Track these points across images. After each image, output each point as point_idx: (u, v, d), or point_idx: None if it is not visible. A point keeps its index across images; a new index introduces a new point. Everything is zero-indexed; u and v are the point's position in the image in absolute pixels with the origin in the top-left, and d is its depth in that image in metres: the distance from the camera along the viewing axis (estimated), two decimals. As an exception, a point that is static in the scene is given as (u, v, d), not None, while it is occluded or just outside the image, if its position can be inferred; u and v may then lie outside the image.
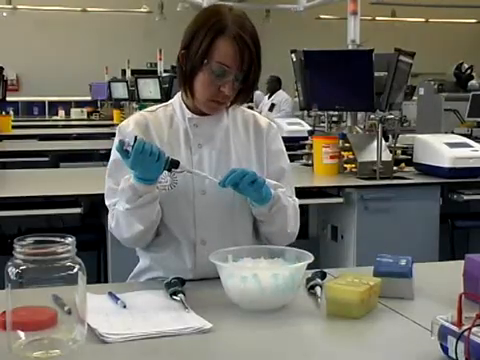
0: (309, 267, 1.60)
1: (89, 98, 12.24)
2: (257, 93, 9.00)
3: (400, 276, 1.62)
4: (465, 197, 3.76)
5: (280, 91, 9.06)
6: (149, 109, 1.89)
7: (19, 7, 13.46)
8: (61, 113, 12.45)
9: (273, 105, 8.47)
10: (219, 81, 1.71)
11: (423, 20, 15.89)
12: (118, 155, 1.69)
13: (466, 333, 1.14)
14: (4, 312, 1.26)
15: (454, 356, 1.17)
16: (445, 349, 1.21)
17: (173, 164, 1.65)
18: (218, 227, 1.79)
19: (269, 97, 9.05)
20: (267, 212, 1.75)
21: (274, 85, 9.06)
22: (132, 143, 1.59)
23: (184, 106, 1.83)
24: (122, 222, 1.75)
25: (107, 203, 1.81)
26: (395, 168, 3.90)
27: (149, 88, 7.94)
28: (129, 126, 1.83)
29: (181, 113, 1.83)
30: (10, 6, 13.22)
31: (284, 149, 1.92)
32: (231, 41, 1.69)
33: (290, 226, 1.83)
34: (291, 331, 1.43)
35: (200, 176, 1.72)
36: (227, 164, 1.80)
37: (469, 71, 7.08)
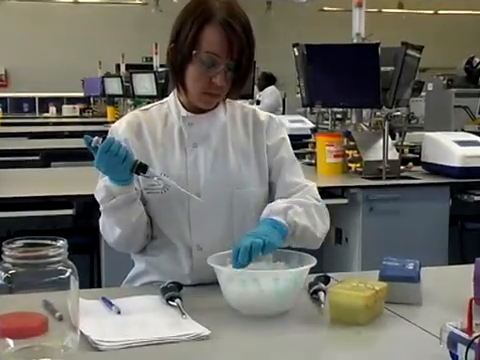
0: (312, 271, 1.60)
1: (81, 94, 12.24)
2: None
3: (407, 280, 1.62)
4: (476, 198, 3.77)
5: (271, 87, 9.17)
6: (143, 108, 1.90)
7: (7, -2, 13.49)
8: (52, 110, 12.43)
9: (258, 102, 8.54)
10: (210, 72, 1.70)
11: (432, 12, 15.90)
12: None
13: (477, 340, 1.14)
14: (-8, 318, 1.26)
15: (464, 364, 1.18)
16: (455, 357, 1.21)
17: (141, 168, 1.65)
18: (215, 232, 1.78)
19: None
20: (292, 240, 1.74)
21: (264, 82, 9.17)
22: (100, 141, 1.61)
23: (179, 104, 1.84)
24: (105, 225, 1.79)
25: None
26: (402, 167, 3.90)
27: (144, 84, 7.94)
28: (121, 126, 1.83)
29: (176, 111, 1.84)
30: (-2, -3, 13.24)
31: (286, 138, 1.90)
32: (219, 28, 1.68)
33: (319, 231, 1.82)
34: (293, 338, 1.44)
35: (174, 187, 1.70)
36: (224, 164, 1.80)
37: (480, 65, 7.08)
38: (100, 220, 1.80)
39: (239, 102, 1.92)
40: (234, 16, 1.70)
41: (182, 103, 1.83)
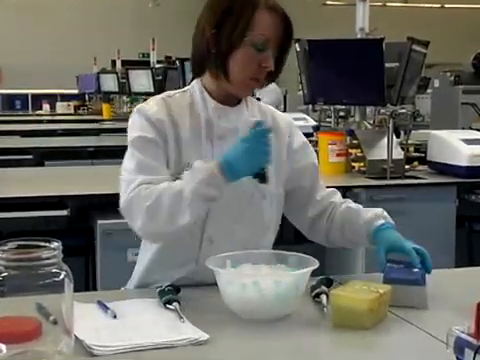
0: (314, 274, 1.60)
1: (76, 91, 12.25)
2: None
3: (412, 283, 1.62)
4: (483, 198, 3.77)
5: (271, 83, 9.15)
6: (166, 94, 1.87)
7: (0, -8, 13.50)
8: (46, 107, 12.44)
9: (258, 99, 8.53)
10: (260, 55, 1.74)
11: (438, 6, 15.90)
12: (142, 132, 1.73)
13: (484, 345, 1.14)
14: (-16, 323, 1.27)
15: (471, 370, 1.18)
16: (461, 362, 1.21)
17: (262, 176, 1.69)
18: (229, 226, 1.79)
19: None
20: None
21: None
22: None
23: (206, 94, 1.83)
24: (165, 206, 1.66)
25: (133, 178, 1.71)
26: (407, 167, 3.90)
27: (141, 80, 7.96)
28: (152, 107, 1.80)
29: (202, 102, 1.83)
30: (-10, -9, 13.25)
31: (307, 141, 1.98)
32: (269, 12, 1.74)
33: None
34: (294, 343, 1.44)
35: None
36: None
37: (488, 61, 7.08)
38: (133, 197, 1.69)
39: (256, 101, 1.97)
40: (276, 3, 1.77)
41: (209, 94, 1.83)
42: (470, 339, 1.19)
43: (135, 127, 1.79)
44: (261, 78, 1.79)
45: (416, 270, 1.64)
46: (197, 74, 1.86)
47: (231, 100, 1.84)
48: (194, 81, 1.87)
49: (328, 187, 1.97)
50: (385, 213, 1.87)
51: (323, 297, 1.62)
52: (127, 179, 1.72)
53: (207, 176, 1.64)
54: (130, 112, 9.00)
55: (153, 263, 1.85)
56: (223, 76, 1.77)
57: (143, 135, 1.76)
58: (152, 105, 1.82)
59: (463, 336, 1.20)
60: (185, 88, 1.88)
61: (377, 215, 1.85)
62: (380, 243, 1.77)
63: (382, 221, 1.83)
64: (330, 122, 4.47)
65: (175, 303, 1.56)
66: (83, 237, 3.47)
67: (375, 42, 3.89)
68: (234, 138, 1.79)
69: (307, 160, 1.95)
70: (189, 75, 6.59)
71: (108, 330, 1.45)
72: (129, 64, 9.87)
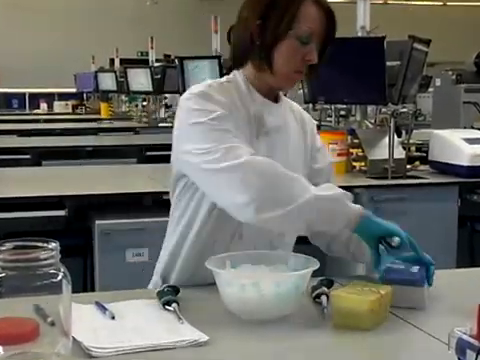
0: (314, 274, 1.60)
1: (74, 90, 12.27)
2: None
3: (411, 284, 1.62)
4: (485, 198, 3.77)
5: None
6: (213, 81, 1.81)
7: (-4, -10, 13.50)
8: (43, 106, 12.46)
9: None
10: (304, 48, 1.74)
11: (440, 3, 15.91)
12: (213, 112, 1.68)
13: (486, 346, 1.14)
14: (-19, 324, 1.27)
15: (473, 371, 1.18)
16: (463, 364, 1.21)
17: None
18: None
19: None
20: None
21: None
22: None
23: (251, 87, 1.82)
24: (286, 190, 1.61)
25: (231, 145, 1.65)
26: (409, 166, 3.90)
27: (140, 79, 7.95)
28: (213, 95, 1.73)
29: (249, 94, 1.81)
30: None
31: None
32: (316, 5, 1.75)
33: None
34: (294, 344, 1.44)
35: None
36: (286, 156, 1.81)
37: (491, 60, 7.07)
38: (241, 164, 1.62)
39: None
40: None
41: (254, 87, 1.82)
42: (472, 340, 1.19)
43: (201, 109, 1.71)
44: (304, 71, 1.80)
45: (416, 271, 1.64)
46: (238, 66, 1.84)
47: (271, 94, 1.84)
48: (235, 72, 1.85)
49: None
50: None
51: (324, 298, 1.61)
52: (223, 146, 1.63)
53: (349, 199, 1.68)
54: (129, 111, 8.98)
55: (174, 256, 1.85)
56: (267, 68, 1.77)
57: (217, 114, 1.69)
58: (209, 92, 1.75)
59: (465, 337, 1.20)
60: (224, 78, 1.84)
61: None
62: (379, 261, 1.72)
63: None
64: (331, 121, 4.48)
65: (174, 304, 1.56)
66: (81, 237, 3.47)
67: (376, 40, 3.89)
68: (277, 135, 1.81)
69: (325, 161, 1.98)
70: (188, 74, 6.55)
71: (106, 331, 1.45)
72: (127, 63, 9.85)
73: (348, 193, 1.70)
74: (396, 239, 1.65)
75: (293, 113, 1.93)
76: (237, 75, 1.84)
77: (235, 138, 1.67)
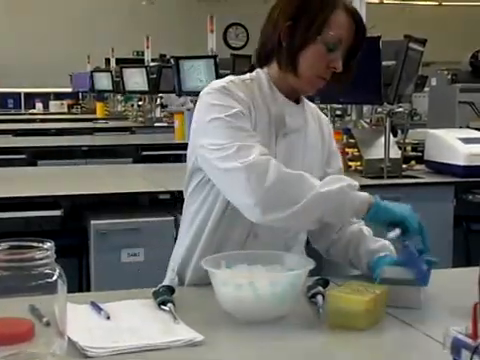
0: (310, 274, 1.60)
1: (70, 89, 12.25)
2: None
3: (406, 283, 1.62)
4: (481, 198, 3.77)
5: None
6: (235, 77, 1.81)
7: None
8: (39, 106, 12.44)
9: None
10: (329, 55, 1.75)
11: (436, 3, 15.92)
12: (232, 108, 1.68)
13: (481, 346, 1.14)
14: (-24, 324, 1.26)
15: (468, 371, 1.18)
16: (458, 363, 1.22)
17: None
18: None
19: None
20: None
21: None
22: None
23: (274, 87, 1.82)
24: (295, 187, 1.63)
25: (247, 144, 1.65)
26: (404, 166, 3.91)
27: (136, 79, 7.94)
28: (234, 91, 1.74)
29: (271, 94, 1.81)
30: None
31: None
32: (347, 14, 1.75)
33: None
34: (290, 344, 1.44)
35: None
36: (303, 158, 1.82)
37: (486, 60, 7.08)
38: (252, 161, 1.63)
39: None
40: (353, 6, 1.79)
41: (277, 87, 1.82)
42: (467, 340, 1.19)
43: (220, 104, 1.71)
44: (327, 78, 1.81)
45: (410, 270, 1.64)
46: (262, 64, 1.84)
47: (293, 95, 1.85)
48: (259, 70, 1.85)
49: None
50: (391, 247, 1.85)
51: (319, 298, 1.61)
52: (236, 144, 1.64)
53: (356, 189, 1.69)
54: (124, 111, 8.95)
55: (190, 252, 1.85)
56: (291, 70, 1.77)
57: (235, 111, 1.70)
58: (232, 85, 1.76)
59: (460, 337, 1.20)
60: (247, 76, 1.84)
61: (384, 247, 1.84)
62: (376, 269, 1.75)
63: (386, 253, 1.82)
64: (327, 121, 4.47)
65: (170, 304, 1.56)
66: (76, 237, 3.46)
67: (372, 40, 3.88)
68: (296, 137, 1.81)
69: (337, 166, 1.99)
70: (184, 74, 6.52)
71: (102, 331, 1.45)
72: (123, 62, 9.84)
73: (354, 182, 1.70)
74: (391, 234, 1.65)
75: (312, 115, 1.93)
76: (260, 73, 1.84)
77: (250, 137, 1.68)
